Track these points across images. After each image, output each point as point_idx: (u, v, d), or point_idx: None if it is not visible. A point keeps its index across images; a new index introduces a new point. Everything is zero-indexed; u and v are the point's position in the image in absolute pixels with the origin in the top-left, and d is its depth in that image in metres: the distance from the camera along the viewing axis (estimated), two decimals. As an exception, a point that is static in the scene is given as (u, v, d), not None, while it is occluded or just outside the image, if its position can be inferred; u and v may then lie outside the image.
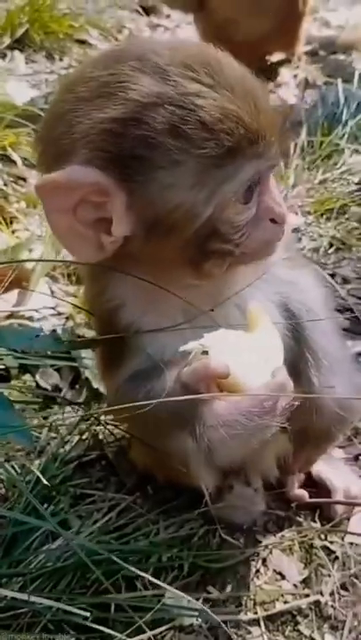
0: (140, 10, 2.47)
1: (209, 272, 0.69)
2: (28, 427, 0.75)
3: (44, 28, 2.15)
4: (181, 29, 2.43)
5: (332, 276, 1.29)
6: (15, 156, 1.52)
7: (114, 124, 0.61)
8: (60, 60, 2.12)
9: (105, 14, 2.32)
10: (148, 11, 2.52)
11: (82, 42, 2.22)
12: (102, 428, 0.99)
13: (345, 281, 1.30)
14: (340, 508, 0.90)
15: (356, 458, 1.01)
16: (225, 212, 0.65)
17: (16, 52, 2.05)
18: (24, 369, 1.07)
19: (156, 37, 2.33)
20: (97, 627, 0.73)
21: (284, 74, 2.07)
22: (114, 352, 0.75)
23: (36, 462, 0.93)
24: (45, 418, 0.97)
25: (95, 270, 0.75)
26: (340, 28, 2.52)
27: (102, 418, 0.98)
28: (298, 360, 0.77)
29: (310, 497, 0.91)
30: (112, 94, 0.61)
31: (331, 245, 1.37)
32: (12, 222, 1.36)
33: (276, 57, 2.11)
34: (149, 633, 0.75)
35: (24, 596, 0.68)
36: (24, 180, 1.51)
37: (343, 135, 1.62)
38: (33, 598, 0.70)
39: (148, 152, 0.61)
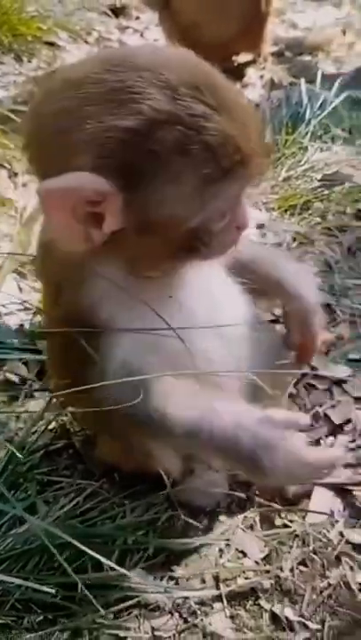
0: (109, 12, 2.50)
1: (178, 265, 0.76)
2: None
3: (12, 31, 2.16)
4: (150, 31, 2.46)
5: (295, 269, 1.33)
6: (-17, 155, 1.54)
7: (126, 134, 0.63)
8: (29, 61, 2.14)
9: (73, 16, 2.33)
10: (116, 13, 2.54)
11: (50, 44, 2.23)
12: (68, 417, 1.01)
13: (307, 274, 1.34)
14: (293, 488, 0.94)
15: (317, 442, 1.05)
16: (210, 224, 0.71)
17: (-15, 54, 2.07)
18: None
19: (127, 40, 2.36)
20: (66, 604, 0.76)
21: (251, 74, 2.11)
22: (82, 350, 0.77)
23: (3, 452, 0.96)
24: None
25: (71, 269, 0.77)
26: (307, 30, 2.57)
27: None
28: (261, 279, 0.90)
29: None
30: (124, 102, 0.64)
31: (294, 240, 1.41)
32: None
33: (242, 57, 2.15)
34: (109, 610, 0.77)
35: (-9, 575, 0.70)
36: (-8, 178, 1.52)
37: (307, 134, 1.67)
38: (1, 577, 0.72)
39: (153, 165, 0.65)
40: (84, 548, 0.69)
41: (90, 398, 0.77)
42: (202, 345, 0.80)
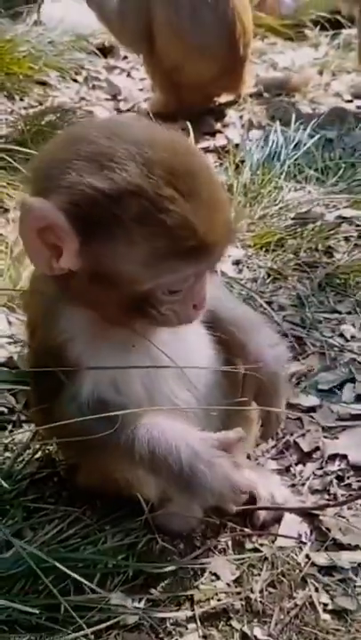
0: (98, 52, 2.60)
1: (137, 325, 0.83)
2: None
3: (4, 70, 2.26)
4: (137, 71, 2.57)
5: (270, 303, 1.41)
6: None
7: (95, 193, 0.73)
8: (21, 99, 2.23)
9: (64, 56, 2.43)
10: (105, 53, 2.65)
11: (42, 83, 2.33)
12: (54, 447, 1.07)
13: (281, 308, 1.41)
14: (262, 515, 1.00)
15: (287, 469, 1.12)
16: (158, 293, 0.79)
17: (-22, 94, 2.16)
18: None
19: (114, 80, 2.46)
20: (49, 624, 0.81)
21: (231, 114, 2.21)
22: (54, 384, 0.85)
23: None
24: None
25: (49, 305, 0.86)
26: (287, 70, 2.70)
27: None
28: (229, 338, 0.94)
29: (241, 504, 1.01)
30: (104, 167, 0.73)
31: (268, 275, 1.49)
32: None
33: (223, 98, 2.26)
34: (89, 630, 0.82)
35: (-22, 597, 0.75)
36: (-17, 215, 1.60)
37: (282, 173, 1.76)
38: (-13, 598, 0.78)
39: (113, 226, 0.74)
40: (67, 571, 0.74)
41: (62, 426, 0.84)
42: (166, 389, 0.88)
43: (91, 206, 0.73)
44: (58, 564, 0.74)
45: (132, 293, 0.78)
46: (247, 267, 1.50)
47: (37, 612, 0.78)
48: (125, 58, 2.68)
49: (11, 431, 1.11)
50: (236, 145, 1.98)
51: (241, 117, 2.18)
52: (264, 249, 1.56)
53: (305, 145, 1.85)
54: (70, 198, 0.74)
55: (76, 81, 2.43)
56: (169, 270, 0.76)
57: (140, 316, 0.81)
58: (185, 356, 0.89)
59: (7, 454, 1.06)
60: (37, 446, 1.07)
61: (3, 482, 0.86)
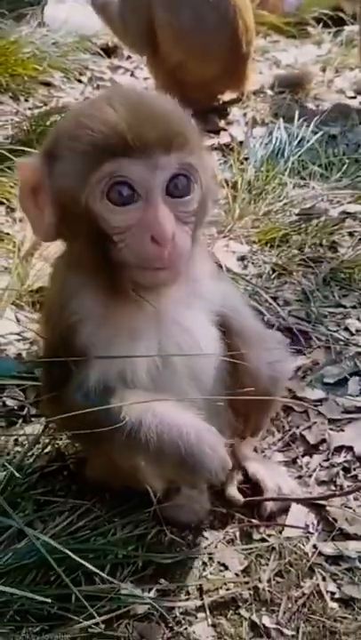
0: (102, 52, 2.62)
1: (119, 280, 0.81)
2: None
3: (9, 71, 2.27)
4: (141, 70, 2.58)
5: (275, 298, 1.42)
6: (-18, 193, 1.64)
7: (52, 132, 0.85)
8: (26, 100, 2.25)
9: (68, 57, 2.45)
10: (108, 53, 2.67)
11: (46, 84, 2.35)
12: (63, 441, 1.09)
13: (286, 303, 1.42)
14: (269, 506, 1.02)
15: (293, 461, 1.13)
16: (97, 206, 0.77)
17: (-17, 94, 2.18)
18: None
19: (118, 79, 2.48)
20: (61, 614, 0.83)
21: (235, 112, 2.22)
22: (64, 368, 0.86)
23: (2, 474, 1.03)
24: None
25: (63, 286, 0.89)
26: (290, 67, 2.71)
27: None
28: (232, 345, 0.93)
29: (248, 496, 1.03)
30: (66, 116, 0.87)
31: (274, 271, 1.50)
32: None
33: (227, 96, 2.27)
34: (100, 619, 0.84)
35: (-7, 586, 0.77)
36: (-10, 214, 1.62)
37: (286, 170, 1.77)
38: (2, 588, 0.79)
39: (55, 150, 0.81)
40: (80, 560, 0.76)
41: (70, 411, 0.85)
42: (171, 381, 0.88)
43: (50, 144, 0.83)
44: (71, 554, 0.76)
45: (83, 218, 0.79)
46: (252, 262, 1.51)
47: (50, 601, 0.80)
48: (129, 58, 2.70)
49: (21, 426, 1.12)
50: (240, 142, 1.99)
51: (245, 115, 2.20)
52: (269, 245, 1.57)
53: (308, 141, 1.87)
54: (43, 148, 0.84)
55: (80, 81, 2.45)
56: (92, 169, 0.76)
57: (107, 261, 0.80)
58: (191, 351, 0.90)
59: (17, 448, 1.08)
60: (47, 440, 1.08)
61: (16, 473, 0.86)
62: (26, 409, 1.15)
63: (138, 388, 0.87)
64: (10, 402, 1.16)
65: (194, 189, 0.81)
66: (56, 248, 1.07)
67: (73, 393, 0.86)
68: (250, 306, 1.06)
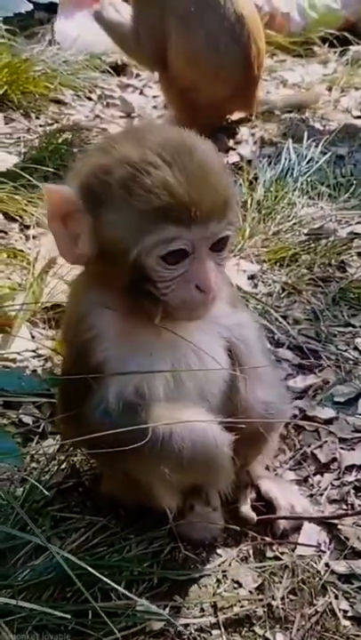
0: (111, 70, 2.66)
1: (150, 312, 0.85)
2: (22, 453, 0.87)
3: (21, 89, 2.31)
4: (150, 89, 2.63)
5: (285, 317, 1.44)
6: (-4, 211, 1.66)
7: (94, 168, 0.83)
8: (37, 117, 2.28)
9: (78, 75, 2.49)
10: (118, 71, 2.71)
11: (57, 101, 2.39)
12: (79, 458, 1.11)
13: (296, 322, 1.45)
14: (282, 524, 1.03)
15: (305, 479, 1.14)
16: (149, 261, 0.81)
17: (-4, 112, 2.21)
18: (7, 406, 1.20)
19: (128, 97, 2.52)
20: (78, 629, 0.84)
21: (244, 132, 2.26)
22: (81, 386, 0.89)
23: (19, 490, 1.05)
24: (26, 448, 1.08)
25: (81, 302, 0.92)
26: (297, 87, 2.75)
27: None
28: (234, 377, 0.95)
29: (262, 514, 1.04)
30: (109, 150, 0.84)
31: (283, 290, 1.52)
32: (-7, 272, 1.49)
33: (236, 116, 2.31)
34: (117, 635, 0.85)
35: (13, 602, 0.79)
36: (5, 232, 1.64)
37: (295, 190, 1.80)
38: (22, 603, 0.81)
39: (106, 194, 0.81)
40: (100, 575, 0.77)
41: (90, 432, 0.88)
42: (186, 398, 0.90)
43: (93, 182, 0.82)
44: (91, 570, 0.77)
45: (130, 265, 0.81)
46: (262, 281, 1.54)
47: (69, 617, 0.81)
48: (138, 76, 2.74)
49: (38, 442, 1.14)
50: (249, 162, 2.02)
51: (253, 135, 2.23)
52: (278, 264, 1.59)
53: (317, 162, 1.89)
54: (81, 180, 0.84)
55: (90, 99, 2.49)
56: (148, 231, 0.79)
57: (145, 297, 0.84)
58: (201, 374, 0.92)
59: (34, 465, 1.10)
60: (63, 457, 1.10)
61: (39, 486, 0.88)
62: (42, 426, 1.17)
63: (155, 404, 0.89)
64: (26, 418, 1.18)
65: (229, 240, 0.86)
66: (71, 267, 1.10)
67: (92, 410, 0.89)
68: (262, 339, 1.07)
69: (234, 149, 2.14)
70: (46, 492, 0.94)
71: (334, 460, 1.16)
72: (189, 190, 0.78)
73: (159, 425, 0.85)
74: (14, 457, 0.78)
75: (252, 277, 1.55)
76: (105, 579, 0.79)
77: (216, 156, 0.86)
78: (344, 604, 0.95)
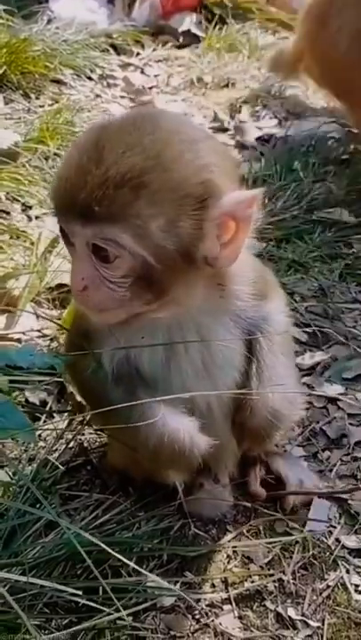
0: (111, 49, 2.62)
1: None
2: (34, 427, 0.86)
3: (19, 69, 2.28)
4: (150, 67, 2.59)
5: (291, 294, 1.43)
6: (-2, 192, 1.64)
7: None
8: (37, 98, 2.25)
9: (78, 54, 2.45)
10: (118, 50, 2.67)
11: (57, 81, 2.35)
12: (86, 436, 1.10)
13: (303, 299, 1.43)
14: (292, 500, 1.02)
15: (314, 455, 1.14)
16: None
17: (-5, 92, 2.18)
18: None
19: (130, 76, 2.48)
20: (89, 605, 0.84)
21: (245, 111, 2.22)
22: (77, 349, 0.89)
23: (28, 468, 1.04)
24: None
25: None
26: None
27: (86, 428, 1.10)
28: (249, 371, 0.91)
29: (271, 490, 1.04)
30: None
31: (289, 267, 1.51)
32: (-4, 253, 1.47)
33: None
34: (127, 612, 0.85)
35: (24, 579, 0.78)
36: (7, 213, 1.62)
37: (302, 167, 1.77)
38: (33, 580, 0.81)
39: None
40: (111, 551, 0.77)
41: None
42: (183, 382, 0.88)
43: None
44: (103, 545, 0.76)
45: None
46: (268, 259, 1.52)
47: (81, 593, 0.81)
48: (138, 54, 2.69)
49: (44, 421, 1.13)
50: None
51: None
52: (284, 241, 1.57)
53: (321, 138, 1.86)
54: None
55: (90, 79, 2.45)
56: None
57: None
58: (205, 363, 0.89)
59: (41, 444, 1.09)
60: (70, 436, 1.09)
61: (54, 461, 0.87)
62: (48, 404, 1.16)
63: (146, 383, 0.88)
64: (32, 397, 1.17)
65: (118, 259, 0.74)
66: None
67: (91, 375, 0.88)
68: (288, 337, 1.00)
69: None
70: (60, 466, 0.93)
71: (343, 436, 1.16)
72: (63, 181, 0.75)
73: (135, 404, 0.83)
74: (27, 433, 0.77)
75: (258, 255, 1.52)
76: (116, 554, 0.78)
77: (149, 169, 0.72)
78: (356, 579, 0.95)
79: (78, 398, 1.08)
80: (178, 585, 0.94)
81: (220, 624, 0.90)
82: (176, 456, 0.85)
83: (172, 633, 0.89)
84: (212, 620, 0.90)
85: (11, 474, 1.05)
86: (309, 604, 0.93)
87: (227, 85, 2.44)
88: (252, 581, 0.95)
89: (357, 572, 0.96)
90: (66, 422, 1.10)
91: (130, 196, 0.71)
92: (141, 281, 0.76)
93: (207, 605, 0.92)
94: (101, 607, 0.87)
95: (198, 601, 0.92)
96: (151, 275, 0.75)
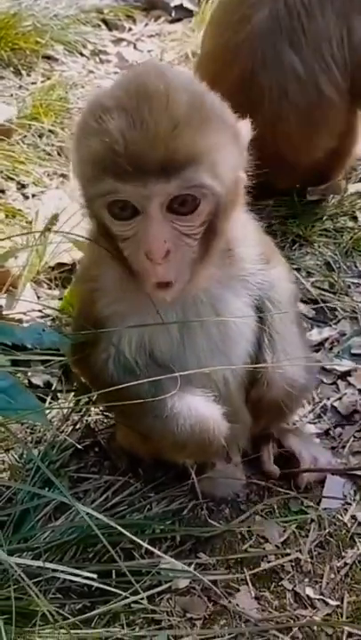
0: (103, 25, 2.55)
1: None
2: (44, 407, 0.84)
3: (10, 45, 2.21)
4: (143, 42, 2.52)
5: (298, 269, 1.40)
6: (-7, 170, 1.60)
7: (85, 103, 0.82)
8: (28, 75, 2.19)
9: (69, 30, 2.38)
10: (109, 25, 2.60)
11: (48, 57, 2.29)
12: (93, 417, 1.07)
13: (309, 274, 1.40)
14: (306, 477, 1.00)
15: (326, 432, 1.11)
16: (100, 211, 0.76)
17: (-15, 69, 2.12)
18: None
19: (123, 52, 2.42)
20: (103, 589, 0.81)
21: None
22: (87, 337, 0.86)
23: (35, 451, 1.01)
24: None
25: (89, 254, 0.90)
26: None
27: (92, 409, 1.08)
28: (261, 342, 0.90)
29: (284, 468, 1.01)
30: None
31: (295, 242, 1.47)
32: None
33: None
34: (142, 595, 0.83)
35: (39, 563, 0.76)
36: (2, 192, 1.58)
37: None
38: (49, 565, 0.78)
39: (78, 134, 0.78)
40: (126, 532, 0.74)
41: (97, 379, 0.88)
42: (201, 363, 0.86)
43: (78, 126, 0.78)
44: (118, 527, 0.74)
45: (91, 214, 0.78)
46: (274, 234, 1.48)
47: (96, 577, 0.78)
48: (130, 30, 2.63)
49: (50, 403, 1.10)
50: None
51: None
52: (290, 216, 1.53)
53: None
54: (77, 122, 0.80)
55: (82, 54, 2.38)
56: (91, 179, 0.74)
57: (114, 254, 0.79)
58: (218, 331, 0.87)
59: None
60: (77, 418, 1.07)
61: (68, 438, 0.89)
62: (53, 386, 1.13)
63: (158, 362, 0.86)
64: (35, 379, 1.14)
65: (201, 205, 0.74)
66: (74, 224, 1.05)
67: (95, 361, 0.87)
68: (295, 301, 1.00)
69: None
70: (76, 444, 0.95)
71: (355, 412, 1.13)
72: (129, 141, 0.69)
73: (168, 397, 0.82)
74: (37, 414, 0.74)
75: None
76: (131, 536, 0.76)
77: (197, 104, 0.72)
78: (374, 555, 0.93)
79: (83, 379, 1.05)
80: (192, 566, 0.92)
81: (237, 605, 0.88)
82: (204, 445, 0.85)
83: (188, 615, 0.87)
84: (229, 602, 0.88)
85: (17, 457, 1.02)
86: (328, 583, 0.91)
87: (222, 59, 2.38)
88: (269, 561, 0.93)
89: (375, 549, 0.94)
90: (72, 403, 1.07)
91: (199, 135, 0.71)
92: (211, 226, 0.76)
93: (223, 587, 0.90)
94: (116, 590, 0.85)
95: (214, 582, 0.90)
96: (219, 215, 0.76)
